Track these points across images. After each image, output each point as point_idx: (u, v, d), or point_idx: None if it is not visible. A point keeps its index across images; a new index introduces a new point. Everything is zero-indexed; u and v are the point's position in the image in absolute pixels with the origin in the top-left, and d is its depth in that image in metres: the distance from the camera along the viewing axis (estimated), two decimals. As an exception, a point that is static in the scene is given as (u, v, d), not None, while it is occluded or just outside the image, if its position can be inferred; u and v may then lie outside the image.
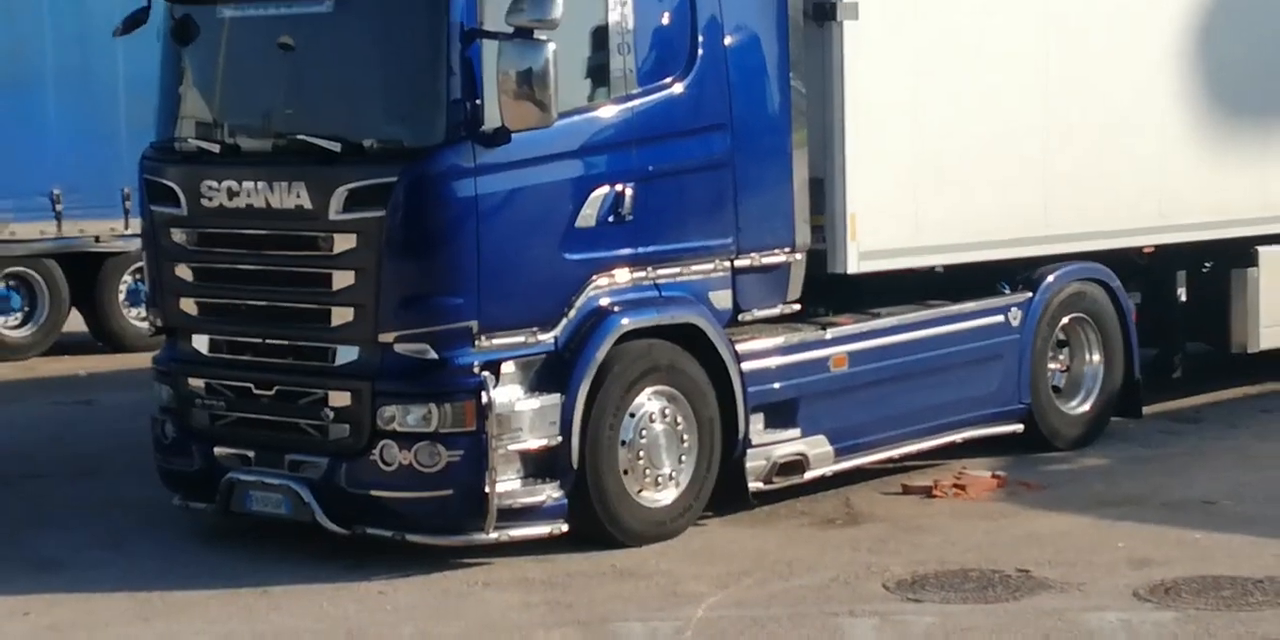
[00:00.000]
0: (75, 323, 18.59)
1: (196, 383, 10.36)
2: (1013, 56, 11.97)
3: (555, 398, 9.76)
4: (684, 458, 10.27)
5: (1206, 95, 13.12)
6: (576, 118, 9.84)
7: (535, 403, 9.72)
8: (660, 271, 10.24)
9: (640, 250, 10.14)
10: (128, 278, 18.33)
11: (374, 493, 9.70)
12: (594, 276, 9.95)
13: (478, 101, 9.48)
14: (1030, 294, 12.12)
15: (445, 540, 9.72)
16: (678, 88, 10.27)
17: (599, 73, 10.04)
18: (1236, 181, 13.39)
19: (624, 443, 10.03)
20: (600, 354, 9.85)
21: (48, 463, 12.81)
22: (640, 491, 10.12)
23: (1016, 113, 12.01)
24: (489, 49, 9.43)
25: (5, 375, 17.14)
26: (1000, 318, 11.97)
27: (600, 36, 10.00)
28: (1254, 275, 13.63)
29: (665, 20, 10.24)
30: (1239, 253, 13.63)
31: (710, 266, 10.49)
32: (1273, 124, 13.66)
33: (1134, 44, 12.71)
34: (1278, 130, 13.69)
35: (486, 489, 9.51)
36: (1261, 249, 13.67)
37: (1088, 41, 12.38)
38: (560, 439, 9.76)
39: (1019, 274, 12.16)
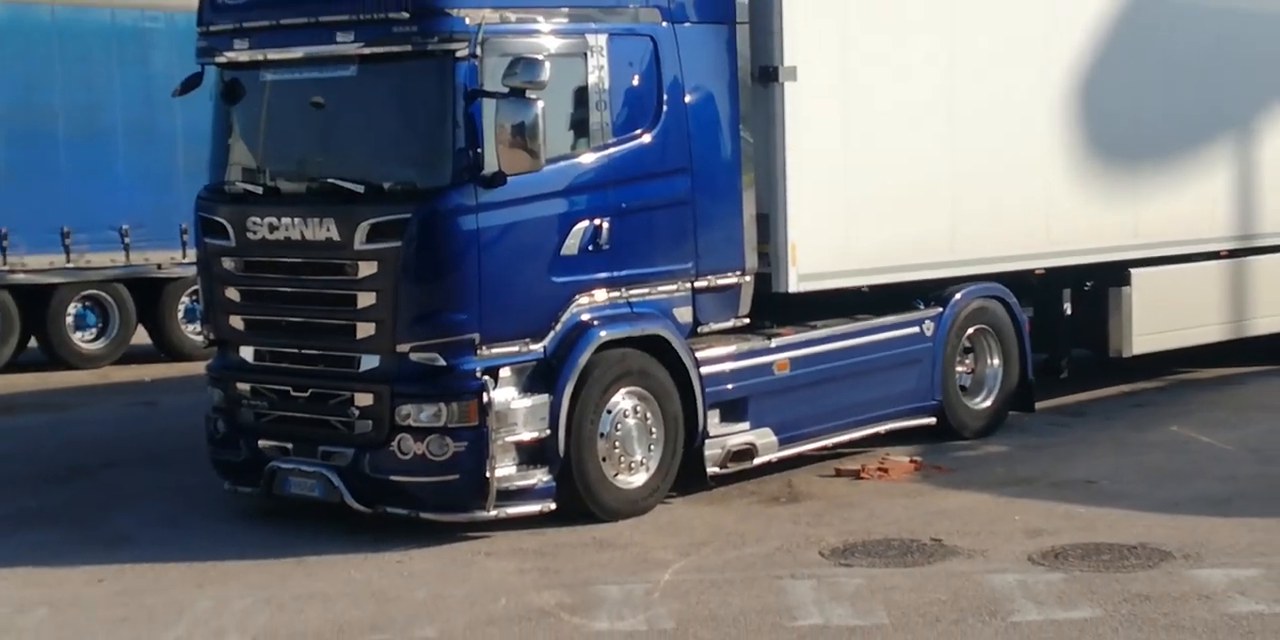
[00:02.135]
0: (141, 337, 18.52)
1: (243, 386, 10.30)
2: (925, 111, 11.93)
3: (544, 397, 9.72)
4: (653, 447, 10.22)
5: (1087, 143, 13.09)
6: (562, 163, 9.80)
7: (528, 402, 9.67)
8: (632, 291, 10.19)
9: (615, 274, 10.09)
10: (185, 299, 18.27)
11: (393, 477, 9.66)
12: (577, 296, 9.91)
13: (479, 150, 9.44)
14: (941, 309, 12.09)
15: (453, 517, 9.66)
16: (646, 138, 10.22)
17: (580, 125, 9.99)
18: (1111, 215, 13.36)
19: (602, 435, 9.98)
20: (582, 361, 9.80)
21: (119, 455, 12.74)
22: (616, 475, 10.08)
23: (928, 158, 11.95)
24: (488, 106, 9.41)
25: (83, 381, 17.07)
26: (916, 329, 11.93)
27: (581, 95, 9.96)
28: (1127, 292, 13.60)
29: (635, 81, 10.20)
30: (1115, 274, 13.59)
31: (674, 287, 10.44)
32: (1141, 167, 13.62)
33: (1026, 102, 12.66)
34: (1145, 173, 13.66)
35: (487, 474, 9.48)
36: (1134, 270, 13.62)
37: (987, 99, 12.32)
38: (549, 432, 9.71)
39: (931, 292, 12.11)
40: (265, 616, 8.31)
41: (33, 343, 17.92)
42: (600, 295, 10.02)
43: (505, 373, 9.64)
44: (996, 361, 12.62)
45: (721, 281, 10.71)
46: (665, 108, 10.29)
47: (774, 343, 10.96)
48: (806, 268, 11.03)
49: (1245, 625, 7.69)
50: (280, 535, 9.89)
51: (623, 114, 10.13)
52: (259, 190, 10.28)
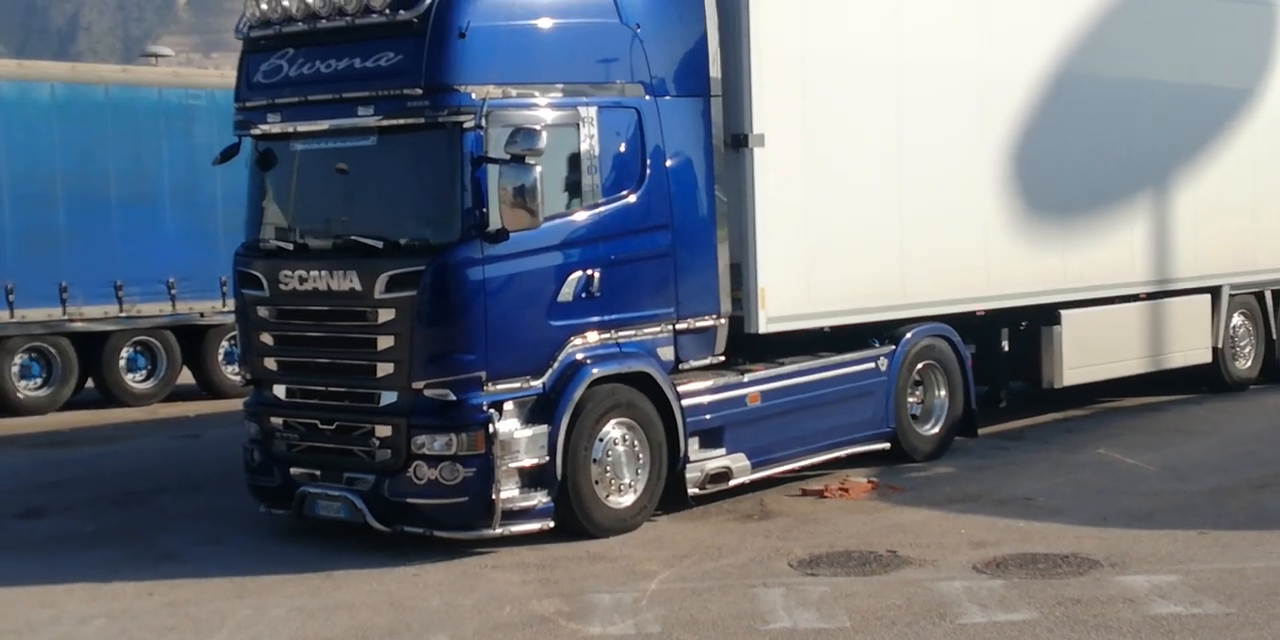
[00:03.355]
0: (186, 377, 18.47)
1: (277, 420, 10.28)
2: (878, 173, 11.96)
3: (544, 427, 9.69)
4: (639, 471, 10.18)
5: (1021, 199, 13.13)
6: (557, 221, 9.79)
7: (529, 432, 9.64)
8: (620, 333, 10.18)
9: (606, 318, 10.08)
10: (224, 343, 18.19)
11: (409, 500, 9.62)
12: (572, 338, 9.89)
13: (484, 209, 9.45)
14: (894, 347, 12.08)
15: (463, 535, 9.63)
16: (632, 198, 10.23)
17: (574, 187, 10.00)
18: (1043, 262, 13.39)
19: (595, 460, 9.94)
20: (577, 395, 9.78)
21: (167, 481, 12.69)
22: (608, 496, 10.04)
23: (880, 215, 11.97)
24: (492, 170, 9.43)
25: (134, 417, 17.02)
26: (872, 364, 11.93)
27: (574, 160, 9.98)
28: (1058, 331, 13.60)
29: (622, 148, 10.21)
30: (1047, 314, 13.60)
31: (658, 329, 10.43)
32: (1069, 220, 13.66)
33: (967, 165, 12.72)
34: (1072, 225, 13.70)
35: (493, 496, 9.46)
36: (1063, 311, 13.64)
37: (932, 162, 12.37)
38: (548, 458, 9.68)
39: (885, 332, 12.10)
40: (297, 623, 8.29)
41: (89, 384, 17.87)
42: (592, 337, 10.01)
43: (509, 406, 9.61)
44: (943, 393, 12.62)
45: (700, 324, 10.70)
46: (649, 171, 10.32)
47: (747, 378, 10.95)
48: (775, 311, 11.04)
49: (1165, 625, 7.70)
50: (310, 552, 9.86)
51: (611, 177, 10.15)
52: (290, 247, 10.27)
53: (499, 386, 9.59)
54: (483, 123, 9.46)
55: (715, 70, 10.76)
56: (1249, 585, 8.37)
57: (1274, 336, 16.24)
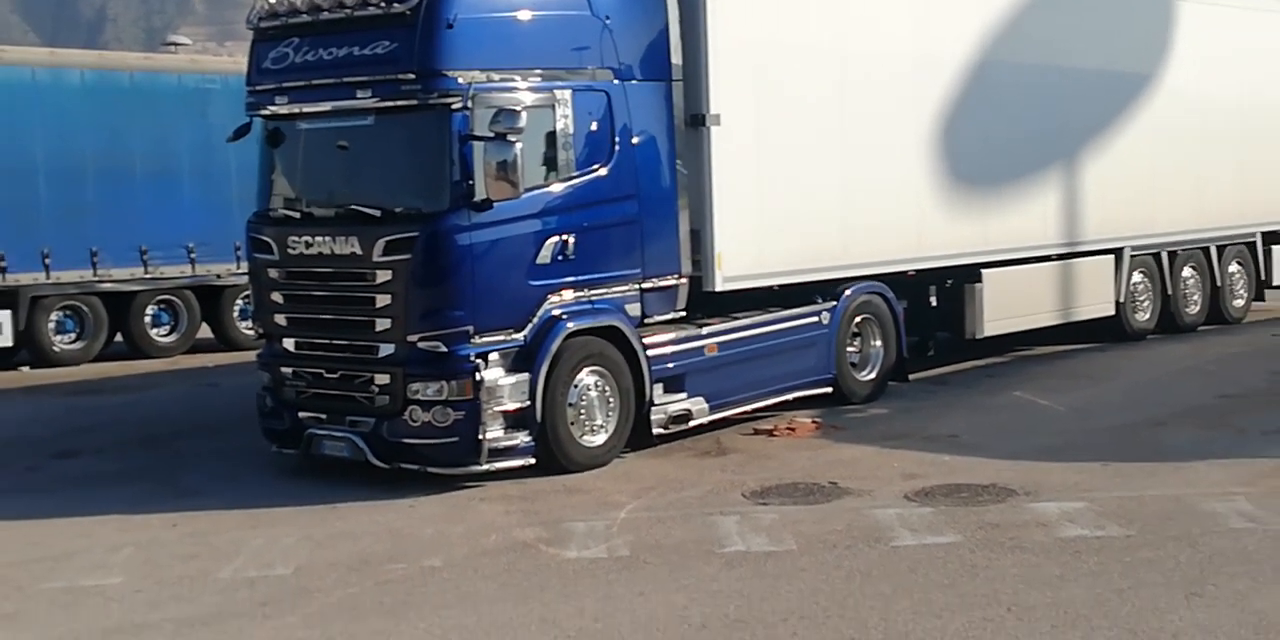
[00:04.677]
0: (204, 332, 18.38)
1: (286, 370, 10.23)
2: (821, 149, 11.90)
3: (525, 376, 9.67)
4: (610, 413, 10.19)
5: (949, 172, 13.10)
6: (536, 192, 9.73)
7: (512, 379, 9.62)
8: (593, 292, 10.14)
9: (579, 278, 10.03)
10: (239, 301, 18.08)
11: (405, 440, 9.60)
12: (549, 296, 9.85)
13: (470, 181, 9.39)
14: (834, 303, 12.08)
15: (453, 471, 9.62)
16: (602, 171, 10.17)
17: (551, 162, 9.92)
18: (968, 228, 13.39)
19: (570, 404, 9.94)
20: (554, 347, 9.77)
21: (187, 426, 12.65)
22: (582, 436, 10.04)
23: (824, 186, 11.93)
24: (478, 147, 9.37)
25: (158, 368, 16.92)
26: (815, 318, 11.93)
27: (551, 138, 9.90)
28: (980, 288, 13.62)
29: (593, 127, 10.14)
30: (970, 273, 13.61)
31: (626, 288, 10.40)
32: (990, 191, 13.65)
33: (901, 141, 12.68)
34: (993, 195, 13.69)
35: (480, 436, 9.46)
36: (984, 271, 13.65)
37: (871, 140, 12.33)
38: (529, 403, 9.67)
39: (827, 290, 12.08)
40: (306, 551, 8.28)
41: (118, 338, 17.76)
42: (568, 295, 9.97)
43: (494, 356, 9.59)
44: (878, 343, 12.62)
45: (663, 283, 10.67)
46: (617, 147, 10.25)
47: (705, 330, 10.94)
48: (730, 271, 11.01)
49: (1073, 546, 7.76)
50: (317, 487, 9.83)
51: (584, 152, 10.07)
52: (296, 215, 10.19)
53: (485, 339, 9.56)
54: (469, 104, 9.39)
55: (676, 57, 10.69)
56: (1146, 511, 8.44)
57: (1169, 292, 16.32)
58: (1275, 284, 17.90)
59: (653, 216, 10.55)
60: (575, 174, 10.03)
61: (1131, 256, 15.56)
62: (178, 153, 17.68)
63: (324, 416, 10.03)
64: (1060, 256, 14.66)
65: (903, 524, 8.34)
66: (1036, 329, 14.58)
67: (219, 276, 17.95)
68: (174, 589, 7.64)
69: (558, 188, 9.95)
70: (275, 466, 10.52)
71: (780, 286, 11.71)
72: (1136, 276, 15.85)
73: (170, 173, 17.61)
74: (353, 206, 9.79)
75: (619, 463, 10.26)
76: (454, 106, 9.37)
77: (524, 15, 9.88)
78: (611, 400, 10.20)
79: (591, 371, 10.08)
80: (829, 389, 12.13)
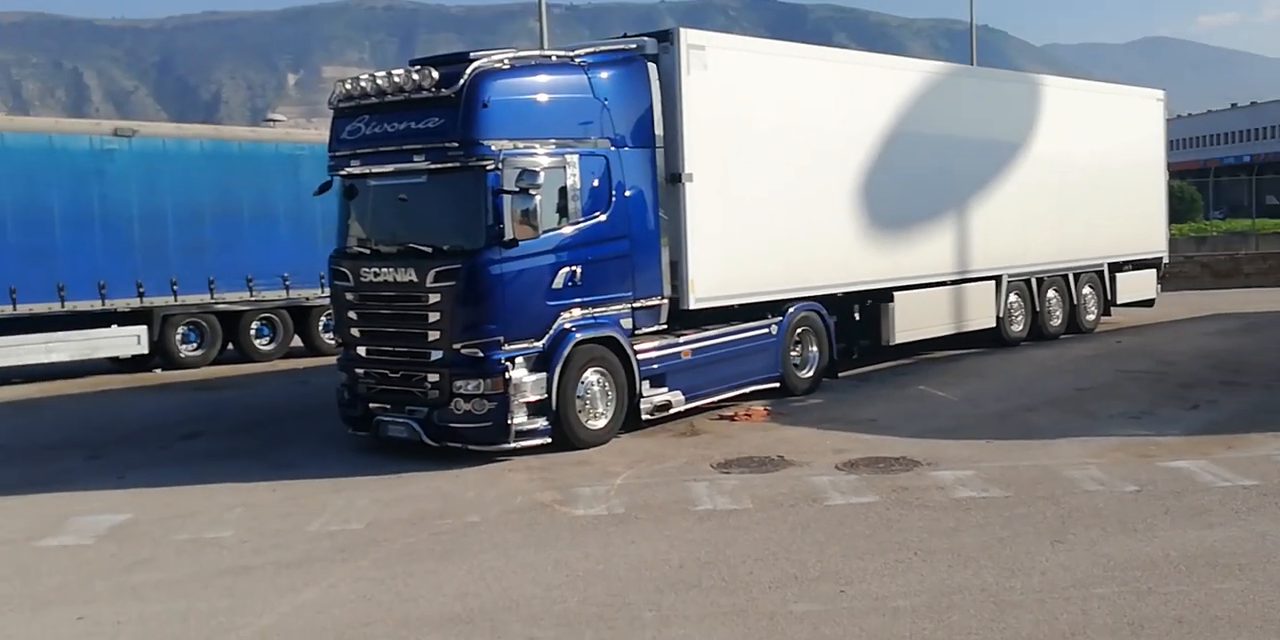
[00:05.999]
0: (296, 342, 18.26)
1: (359, 371, 10.20)
2: (772, 202, 11.91)
3: (543, 374, 9.68)
4: (609, 403, 10.18)
5: (869, 218, 13.10)
6: (551, 233, 9.75)
7: (533, 377, 9.63)
8: (595, 310, 10.14)
9: (585, 299, 10.03)
10: (323, 318, 17.95)
11: (451, 425, 9.61)
12: (562, 313, 9.85)
13: (501, 225, 9.41)
14: (781, 318, 12.07)
15: (488, 448, 9.61)
16: (602, 217, 10.18)
17: (563, 210, 9.92)
18: (883, 261, 13.39)
19: (579, 396, 9.94)
20: (566, 352, 9.77)
21: (283, 413, 12.61)
22: (587, 421, 10.03)
23: (775, 228, 11.92)
24: (507, 199, 9.40)
25: (260, 370, 16.82)
26: (767, 330, 11.92)
27: (563, 192, 9.91)
28: (892, 306, 13.62)
29: (596, 183, 10.15)
30: (885, 294, 13.60)
31: (621, 307, 10.40)
32: (900, 232, 13.65)
33: (834, 196, 12.69)
34: (902, 236, 13.68)
35: (509, 422, 9.48)
36: (896, 293, 13.65)
37: (809, 192, 12.34)
38: (546, 395, 9.68)
39: (776, 308, 12.07)
40: (377, 509, 8.27)
41: (229, 347, 17.66)
42: (576, 312, 9.96)
43: (519, 360, 9.59)
44: (815, 348, 12.61)
45: (649, 303, 10.67)
46: (614, 199, 10.27)
47: (681, 339, 10.94)
48: (700, 294, 11.02)
49: (965, 504, 7.78)
50: (384, 461, 9.80)
51: (588, 203, 10.09)
52: (367, 251, 10.16)
53: (512, 346, 9.57)
54: (500, 166, 9.43)
55: (659, 130, 10.73)
56: (1021, 477, 8.46)
57: (1038, 309, 16.34)
58: (1118, 302, 17.98)
59: (641, 252, 10.56)
60: (582, 219, 10.03)
61: (1009, 281, 15.58)
62: (275, 203, 17.61)
63: (388, 407, 10.01)
64: (954, 281, 14.66)
65: (834, 488, 8.35)
66: (936, 337, 14.58)
67: (308, 299, 17.87)
68: (273, 539, 7.64)
69: (568, 230, 9.95)
70: (352, 445, 10.50)
71: (739, 305, 11.70)
72: (1013, 297, 15.87)
73: (270, 219, 17.54)
74: (410, 244, 9.79)
75: (616, 441, 10.25)
76: (488, 168, 9.40)
77: (542, 97, 9.92)
78: (610, 393, 10.19)
79: (595, 371, 10.08)
80: (777, 384, 12.11)
